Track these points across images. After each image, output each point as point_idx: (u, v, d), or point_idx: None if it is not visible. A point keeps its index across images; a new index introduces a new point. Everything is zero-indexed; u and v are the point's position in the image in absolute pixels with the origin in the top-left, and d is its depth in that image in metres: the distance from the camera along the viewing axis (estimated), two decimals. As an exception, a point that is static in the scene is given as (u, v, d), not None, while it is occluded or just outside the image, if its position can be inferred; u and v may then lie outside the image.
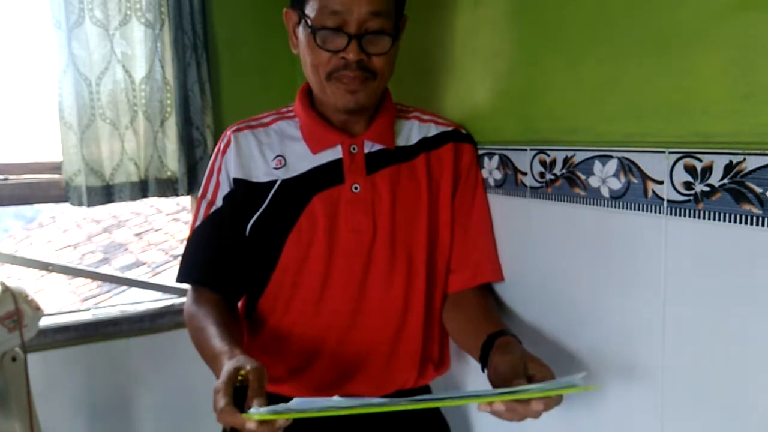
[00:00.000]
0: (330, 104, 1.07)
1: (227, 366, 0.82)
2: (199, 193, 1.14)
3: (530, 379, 0.84)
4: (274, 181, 1.09)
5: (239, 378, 0.80)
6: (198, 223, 1.12)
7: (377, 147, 1.11)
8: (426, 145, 1.15)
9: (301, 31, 1.05)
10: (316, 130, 1.10)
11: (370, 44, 1.01)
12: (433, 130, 1.17)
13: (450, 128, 1.18)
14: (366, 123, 1.12)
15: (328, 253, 1.08)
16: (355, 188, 1.09)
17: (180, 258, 1.14)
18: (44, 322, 1.34)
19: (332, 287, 1.09)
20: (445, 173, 1.15)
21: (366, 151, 1.11)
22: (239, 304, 1.18)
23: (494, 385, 0.90)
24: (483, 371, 0.96)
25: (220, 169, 1.12)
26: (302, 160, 1.10)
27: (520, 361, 0.87)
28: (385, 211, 1.09)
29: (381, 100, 1.13)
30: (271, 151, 1.11)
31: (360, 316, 1.11)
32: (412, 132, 1.16)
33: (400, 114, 1.18)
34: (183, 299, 1.76)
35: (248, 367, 0.81)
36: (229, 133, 1.13)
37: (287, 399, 1.11)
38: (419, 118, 1.18)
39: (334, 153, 1.10)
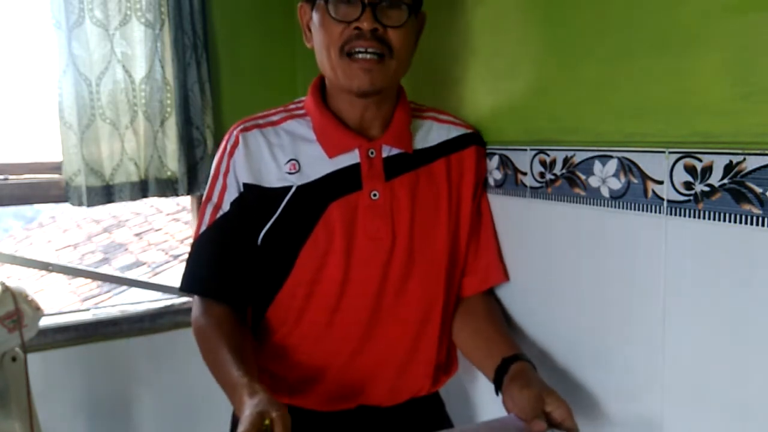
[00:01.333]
0: (344, 87, 1.01)
1: (251, 409, 0.79)
2: (204, 196, 1.08)
3: (547, 416, 0.87)
4: (289, 187, 1.04)
5: (264, 427, 0.78)
6: (203, 228, 1.07)
7: (395, 151, 1.07)
8: (446, 148, 1.11)
9: (315, 17, 1.01)
10: (332, 132, 1.05)
11: (384, 15, 0.96)
12: (453, 132, 1.13)
13: (470, 131, 1.15)
14: (382, 124, 1.07)
15: (345, 261, 1.03)
16: (374, 195, 1.04)
17: (185, 263, 1.10)
18: (44, 322, 1.34)
19: (349, 297, 1.05)
20: (467, 177, 1.12)
21: (384, 155, 1.06)
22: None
23: (509, 411, 0.92)
24: (497, 394, 0.96)
25: (227, 171, 1.06)
26: (317, 164, 1.05)
27: (539, 396, 0.88)
28: (405, 219, 1.06)
29: (397, 99, 1.09)
30: (283, 153, 1.05)
31: (376, 326, 1.07)
32: (430, 133, 1.12)
33: (415, 113, 1.13)
34: (183, 299, 1.77)
35: (273, 414, 0.78)
36: (236, 132, 1.07)
37: (302, 411, 1.07)
38: (436, 119, 1.15)
39: (351, 157, 1.05)
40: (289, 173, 1.05)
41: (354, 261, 1.04)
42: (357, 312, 1.06)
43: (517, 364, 0.96)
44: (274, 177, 1.05)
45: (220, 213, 1.06)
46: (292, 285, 1.05)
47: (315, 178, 1.04)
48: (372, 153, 1.06)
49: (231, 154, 1.06)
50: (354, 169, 1.05)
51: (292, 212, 1.04)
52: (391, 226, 1.05)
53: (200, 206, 1.11)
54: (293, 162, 1.05)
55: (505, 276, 1.16)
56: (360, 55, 0.97)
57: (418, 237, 1.07)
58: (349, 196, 1.04)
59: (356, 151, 1.05)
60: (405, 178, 1.07)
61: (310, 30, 1.05)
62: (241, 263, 1.06)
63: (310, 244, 1.03)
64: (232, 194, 1.05)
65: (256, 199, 1.04)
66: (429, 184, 1.09)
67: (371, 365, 1.08)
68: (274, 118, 1.09)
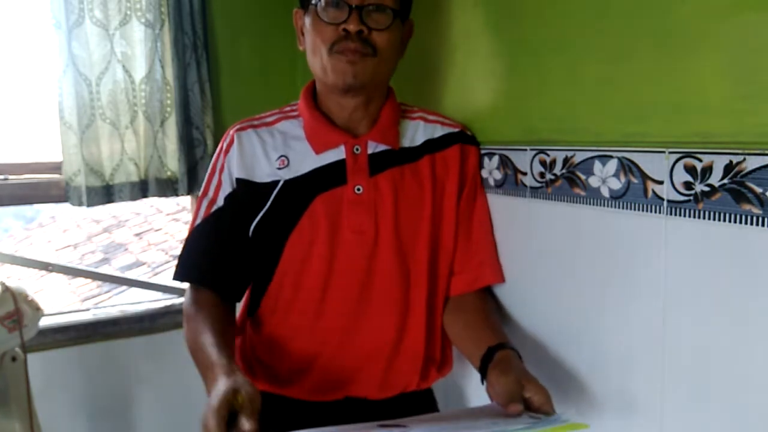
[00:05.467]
0: (331, 83, 1.05)
1: (223, 385, 0.81)
2: (200, 192, 1.13)
3: (526, 402, 0.87)
4: (277, 182, 1.08)
5: (236, 403, 0.79)
6: (198, 221, 1.12)
7: (381, 147, 1.11)
8: (431, 146, 1.14)
9: (307, 21, 1.06)
10: (320, 129, 1.10)
11: (371, 18, 1.02)
12: (438, 131, 1.16)
13: (456, 129, 1.17)
14: (370, 123, 1.11)
15: (329, 254, 1.07)
16: (358, 189, 1.08)
17: (178, 255, 1.14)
18: (44, 322, 1.34)
19: (334, 289, 1.09)
20: (451, 175, 1.14)
21: (370, 151, 1.10)
22: (242, 301, 1.18)
23: (492, 399, 0.92)
24: (482, 383, 0.96)
25: (222, 168, 1.11)
26: (305, 159, 1.09)
27: (517, 382, 0.88)
28: (388, 213, 1.09)
29: (385, 99, 1.13)
30: (274, 151, 1.10)
31: (362, 318, 1.10)
32: (417, 132, 1.15)
33: (404, 114, 1.17)
34: (183, 299, 1.76)
35: (243, 392, 0.80)
36: (232, 132, 1.13)
37: (291, 401, 1.10)
38: (424, 119, 1.17)
39: (338, 153, 1.09)
40: (279, 168, 1.09)
41: (338, 253, 1.08)
42: (343, 304, 1.09)
43: (501, 352, 0.97)
44: (264, 172, 1.10)
45: (215, 207, 1.11)
46: (280, 275, 1.10)
47: (302, 172, 1.09)
48: (357, 149, 1.09)
49: (226, 152, 1.12)
50: (340, 164, 1.09)
51: (280, 205, 1.08)
52: (375, 221, 1.08)
53: (196, 201, 1.15)
54: (282, 158, 1.10)
55: (500, 276, 1.16)
56: (346, 50, 1.02)
57: (402, 232, 1.10)
58: (334, 190, 1.08)
59: (342, 147, 1.09)
60: (389, 174, 1.10)
61: (303, 35, 1.09)
62: (233, 254, 1.10)
63: (296, 235, 1.08)
64: (226, 190, 1.10)
65: (247, 193, 1.09)
66: (414, 181, 1.11)
67: (359, 357, 1.11)
68: (269, 119, 1.15)
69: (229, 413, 0.78)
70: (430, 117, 1.18)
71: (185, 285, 1.14)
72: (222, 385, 0.82)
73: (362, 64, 1.03)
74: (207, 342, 0.96)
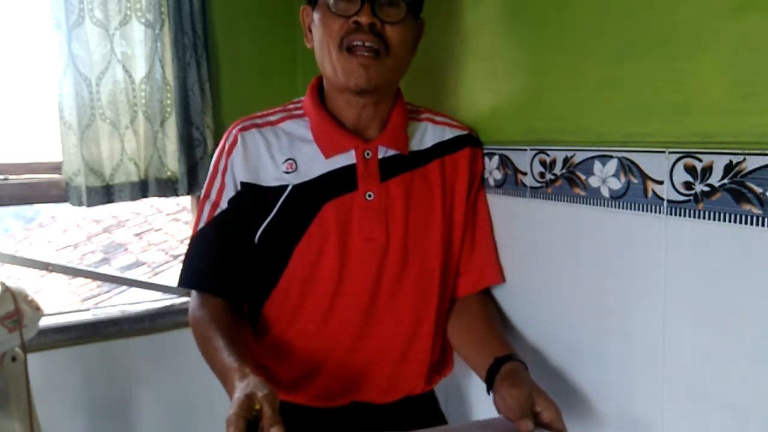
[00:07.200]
0: (342, 85, 1.02)
1: (239, 392, 0.79)
2: (202, 194, 1.10)
3: (536, 416, 0.87)
4: (285, 186, 1.05)
5: (253, 412, 0.77)
6: (201, 225, 1.08)
7: (391, 152, 1.08)
8: (441, 149, 1.13)
9: (315, 17, 1.03)
10: (329, 132, 1.06)
11: (383, 11, 0.99)
12: (448, 134, 1.14)
13: (465, 132, 1.16)
14: (379, 125, 1.08)
15: (339, 261, 1.05)
16: (369, 196, 1.06)
17: (182, 260, 1.12)
18: (44, 322, 1.34)
19: (343, 296, 1.06)
20: (461, 178, 1.13)
21: (380, 156, 1.07)
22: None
23: (500, 412, 0.92)
24: (488, 393, 0.96)
25: (225, 170, 1.07)
26: (314, 164, 1.06)
27: (528, 396, 0.89)
28: (399, 220, 1.07)
29: (394, 101, 1.10)
30: (280, 153, 1.07)
31: (371, 325, 1.08)
32: (425, 135, 1.13)
33: (411, 114, 1.14)
34: (183, 299, 1.77)
35: (259, 395, 0.78)
36: (234, 131, 1.09)
37: (295, 407, 1.09)
38: (432, 120, 1.15)
39: (347, 158, 1.06)
40: (286, 172, 1.06)
41: (348, 261, 1.05)
42: (351, 311, 1.07)
43: (509, 364, 0.96)
44: (271, 176, 1.06)
45: (218, 210, 1.07)
46: (286, 282, 1.07)
47: (311, 177, 1.06)
48: (368, 154, 1.07)
49: (229, 153, 1.08)
50: (350, 169, 1.06)
51: (288, 211, 1.05)
52: (386, 228, 1.06)
53: (198, 204, 1.12)
54: (290, 161, 1.06)
55: (501, 277, 1.16)
56: (358, 51, 0.99)
57: (413, 238, 1.08)
58: (344, 197, 1.05)
59: (352, 152, 1.06)
60: (400, 180, 1.08)
61: (311, 31, 1.06)
62: (238, 259, 1.07)
63: (305, 242, 1.05)
64: (229, 192, 1.07)
65: (253, 197, 1.06)
66: (423, 185, 1.10)
67: (366, 363, 1.10)
68: (273, 118, 1.11)
69: (249, 421, 0.76)
70: (438, 118, 1.16)
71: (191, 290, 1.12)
72: (238, 392, 0.80)
73: (375, 67, 0.99)
74: (217, 346, 0.94)
